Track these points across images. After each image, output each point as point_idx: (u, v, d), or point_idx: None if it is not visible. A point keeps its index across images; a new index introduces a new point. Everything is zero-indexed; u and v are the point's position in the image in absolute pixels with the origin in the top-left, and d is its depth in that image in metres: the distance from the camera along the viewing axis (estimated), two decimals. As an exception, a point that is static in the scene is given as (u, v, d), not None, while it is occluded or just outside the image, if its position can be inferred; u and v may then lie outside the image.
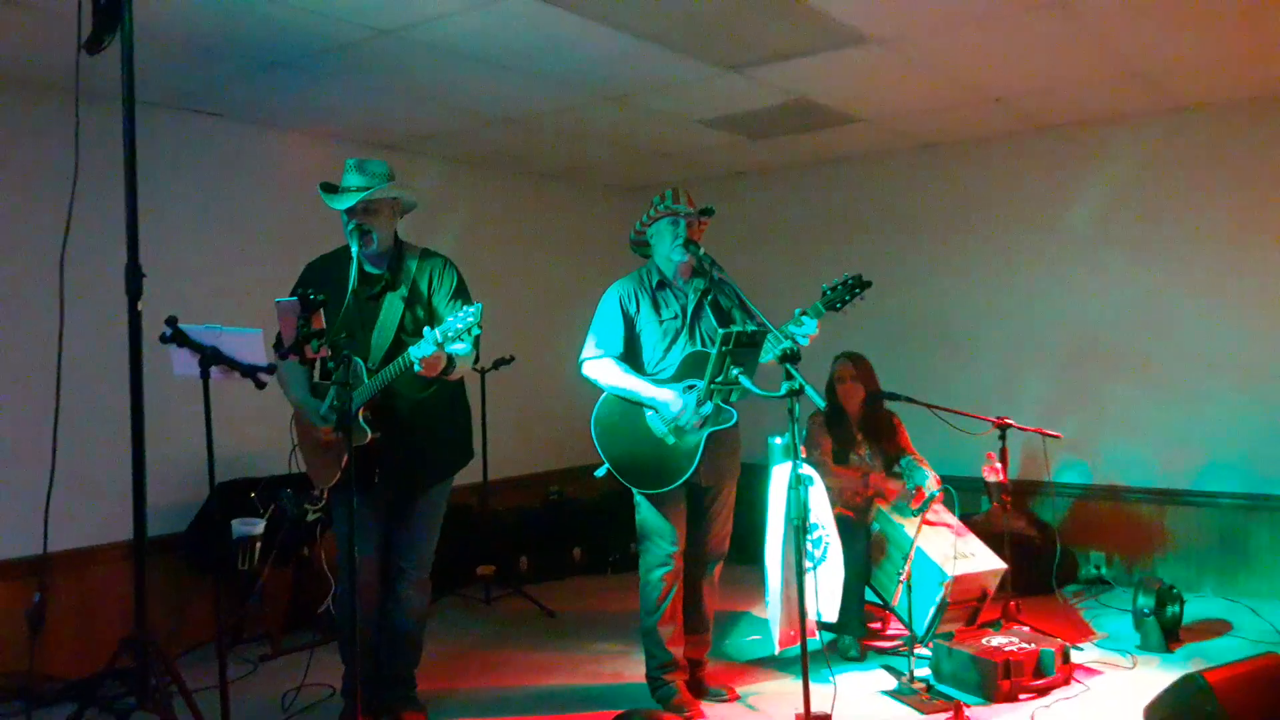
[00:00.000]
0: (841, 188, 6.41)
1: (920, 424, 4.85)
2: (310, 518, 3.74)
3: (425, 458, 3.47)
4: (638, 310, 3.75)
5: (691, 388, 3.58)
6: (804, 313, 3.60)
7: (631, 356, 3.75)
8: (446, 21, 3.65)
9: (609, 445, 3.71)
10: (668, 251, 3.72)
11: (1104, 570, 5.40)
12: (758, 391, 3.39)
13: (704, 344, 3.69)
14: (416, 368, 3.14)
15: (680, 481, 3.61)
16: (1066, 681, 3.86)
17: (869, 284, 3.63)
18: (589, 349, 3.77)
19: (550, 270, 6.67)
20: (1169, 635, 4.31)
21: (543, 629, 4.95)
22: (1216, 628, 4.59)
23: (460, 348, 3.11)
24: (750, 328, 3.42)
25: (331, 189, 3.44)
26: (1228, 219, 5.12)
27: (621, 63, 4.19)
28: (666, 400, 3.59)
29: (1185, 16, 3.82)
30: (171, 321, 2.81)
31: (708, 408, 3.56)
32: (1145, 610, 4.30)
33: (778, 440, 3.88)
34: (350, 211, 3.36)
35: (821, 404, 3.33)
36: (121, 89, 2.92)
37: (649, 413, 3.67)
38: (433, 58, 4.05)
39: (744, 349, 3.40)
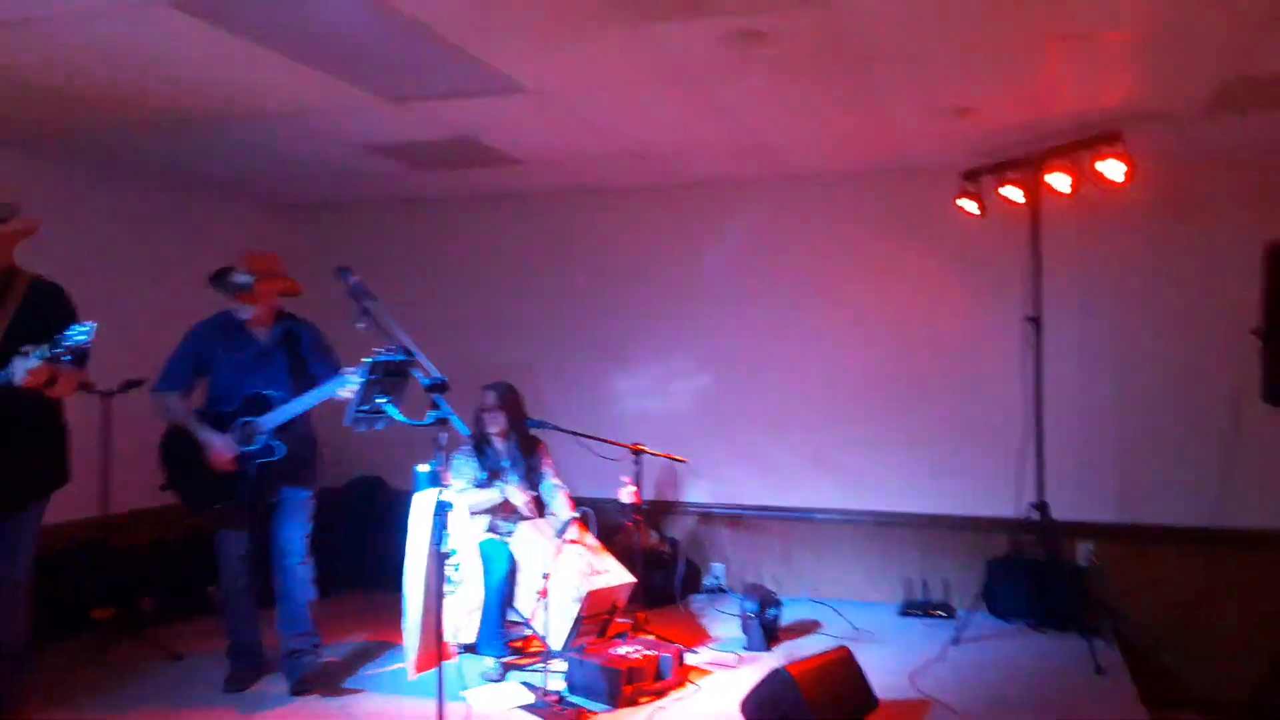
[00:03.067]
0: (509, 223, 6.63)
1: (567, 450, 5.18)
2: None
3: (11, 477, 3.26)
4: (214, 349, 4.19)
5: (248, 424, 4.07)
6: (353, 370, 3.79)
7: (202, 391, 4.25)
8: (81, 18, 3.40)
9: (171, 464, 4.19)
10: (235, 310, 4.21)
11: (722, 580, 6.03)
12: (404, 420, 3.47)
13: (270, 385, 4.12)
14: (17, 380, 3.00)
15: (229, 502, 4.13)
16: (682, 683, 4.29)
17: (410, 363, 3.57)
18: (158, 381, 4.21)
19: (197, 289, 6.23)
20: (770, 635, 4.91)
21: (169, 674, 4.60)
22: (809, 627, 5.28)
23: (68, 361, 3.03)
24: (398, 357, 3.50)
25: None
26: (822, 275, 5.97)
27: (278, 82, 4.11)
28: (213, 446, 4.05)
29: (794, 100, 4.45)
30: None
31: (261, 445, 4.04)
32: (750, 614, 4.88)
33: (423, 468, 3.98)
34: None
35: (466, 432, 3.50)
36: None
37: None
38: (65, 55, 3.75)
39: (391, 378, 3.48)
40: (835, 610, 5.50)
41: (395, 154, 5.41)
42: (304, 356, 4.25)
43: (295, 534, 4.25)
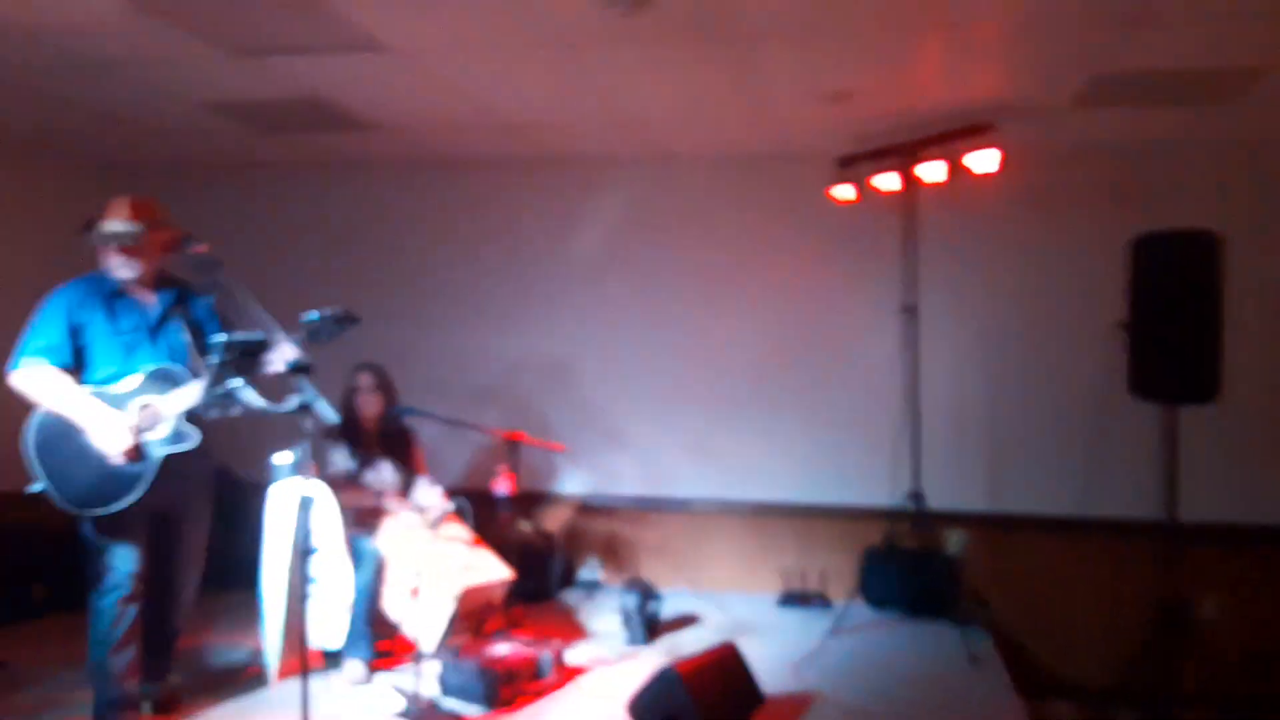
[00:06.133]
0: (365, 194, 6.24)
1: (437, 439, 4.89)
2: None
3: None
4: (89, 319, 3.39)
5: (149, 405, 3.32)
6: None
7: (79, 371, 3.38)
8: None
9: (48, 459, 3.29)
10: (114, 269, 3.43)
11: (599, 573, 5.86)
12: (262, 405, 3.16)
13: (171, 360, 3.44)
14: None
15: (128, 503, 3.29)
16: (562, 682, 4.10)
17: (356, 320, 3.39)
18: (25, 357, 3.32)
19: (19, 257, 5.57)
20: (650, 630, 4.77)
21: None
22: (689, 620, 5.17)
23: None
24: (253, 336, 3.17)
25: None
26: (697, 259, 5.85)
27: (111, 29, 3.67)
28: (104, 431, 3.26)
29: (673, 75, 4.29)
30: None
31: (169, 433, 3.33)
32: (630, 608, 4.73)
33: (282, 457, 3.64)
34: None
35: (334, 419, 3.21)
36: None
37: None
38: None
39: (247, 359, 3.15)
40: (715, 603, 5.41)
41: (237, 114, 4.97)
42: (201, 333, 3.54)
43: (195, 556, 3.64)
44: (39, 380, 3.30)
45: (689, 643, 4.64)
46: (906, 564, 5.17)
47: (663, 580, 5.44)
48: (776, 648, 4.66)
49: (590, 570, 5.87)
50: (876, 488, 5.34)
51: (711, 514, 5.82)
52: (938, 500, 5.05)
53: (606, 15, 3.56)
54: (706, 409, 5.83)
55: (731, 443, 5.80)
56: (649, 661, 4.31)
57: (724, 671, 3.74)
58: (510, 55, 4.06)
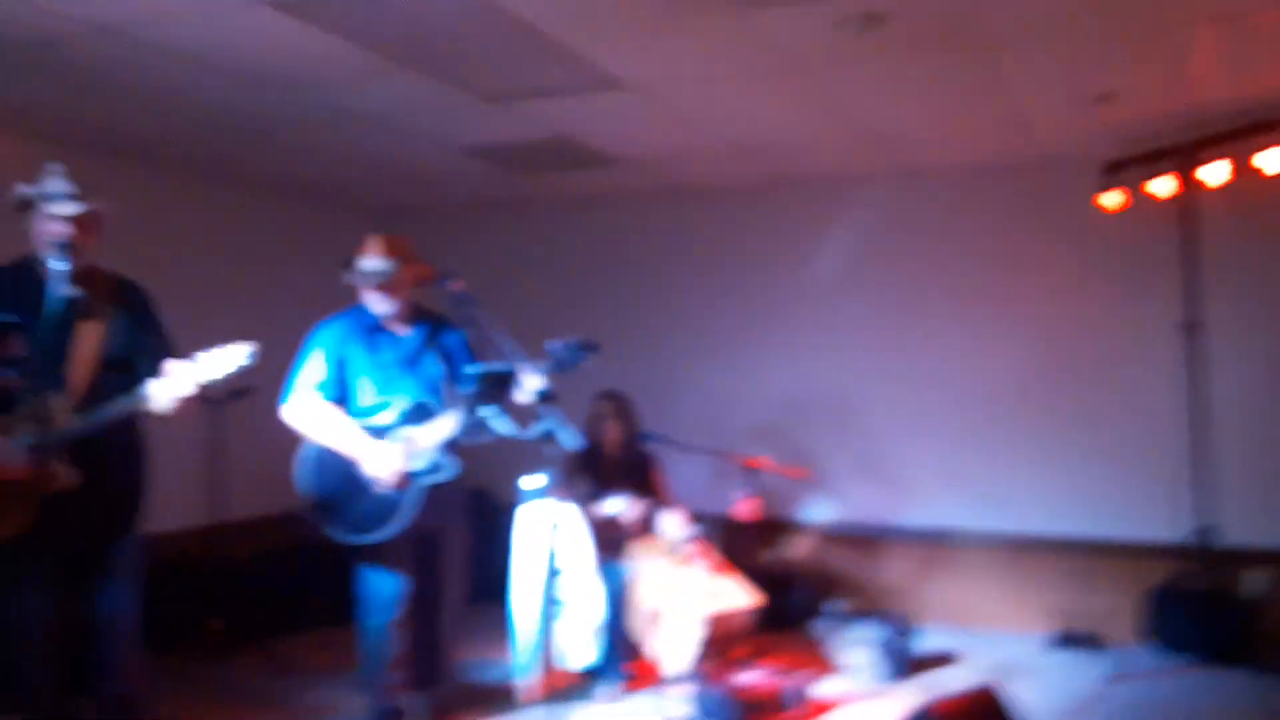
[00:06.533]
0: (601, 227, 6.43)
1: (678, 463, 4.92)
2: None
3: (123, 502, 3.09)
4: (352, 353, 3.60)
5: (409, 440, 3.49)
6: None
7: (342, 403, 3.59)
8: (177, 23, 3.35)
9: (319, 487, 3.54)
10: (372, 305, 3.64)
11: (848, 604, 5.63)
12: (510, 432, 3.30)
13: (428, 392, 3.60)
14: (161, 406, 2.81)
15: (393, 531, 3.46)
16: (811, 714, 3.99)
17: (597, 348, 3.53)
18: (294, 392, 3.57)
19: (292, 296, 6.18)
20: (904, 666, 4.54)
21: (283, 686, 4.50)
22: (945, 658, 4.87)
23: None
24: (502, 367, 3.32)
25: None
26: (949, 276, 5.55)
27: (373, 83, 4.02)
28: (372, 461, 3.45)
29: (915, 88, 4.12)
30: None
31: (428, 463, 3.48)
32: (883, 642, 4.51)
33: (528, 481, 3.78)
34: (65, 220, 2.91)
35: (576, 445, 3.29)
36: None
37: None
38: (159, 60, 3.71)
39: (497, 388, 3.31)
40: (974, 640, 5.07)
41: (491, 156, 5.28)
42: (453, 365, 3.68)
43: (458, 577, 3.75)
44: (310, 413, 3.54)
45: (946, 682, 4.37)
46: (1198, 605, 4.61)
47: (916, 614, 5.16)
48: (1047, 693, 4.28)
49: (838, 601, 5.67)
50: (1156, 521, 4.82)
51: (970, 545, 5.46)
52: (1233, 536, 4.47)
53: (840, 35, 3.48)
54: (964, 434, 5.50)
55: (991, 470, 5.43)
56: (901, 700, 4.10)
57: (984, 716, 3.47)
58: (746, 82, 4.07)
